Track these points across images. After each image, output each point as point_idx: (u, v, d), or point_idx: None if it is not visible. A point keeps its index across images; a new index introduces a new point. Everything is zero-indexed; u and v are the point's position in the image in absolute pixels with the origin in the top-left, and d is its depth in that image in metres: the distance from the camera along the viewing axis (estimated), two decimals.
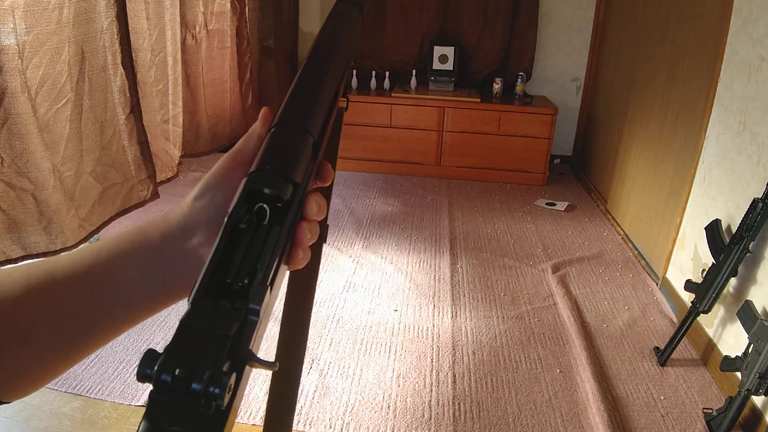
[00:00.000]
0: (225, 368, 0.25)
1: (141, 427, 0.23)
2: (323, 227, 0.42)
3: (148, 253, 0.39)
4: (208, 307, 0.27)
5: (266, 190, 0.32)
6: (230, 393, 0.25)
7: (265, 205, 0.32)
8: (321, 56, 0.43)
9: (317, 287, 0.52)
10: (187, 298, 0.28)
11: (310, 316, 0.50)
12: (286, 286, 0.47)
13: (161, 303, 0.41)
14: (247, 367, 0.27)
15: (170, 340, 0.25)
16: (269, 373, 0.37)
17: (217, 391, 0.24)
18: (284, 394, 0.48)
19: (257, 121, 0.41)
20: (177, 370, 0.24)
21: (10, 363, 0.35)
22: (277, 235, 0.31)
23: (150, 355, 0.24)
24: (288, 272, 0.39)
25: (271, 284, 0.30)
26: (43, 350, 0.36)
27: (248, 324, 0.28)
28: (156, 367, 0.24)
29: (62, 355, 0.37)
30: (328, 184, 0.41)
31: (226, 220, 0.31)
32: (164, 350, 0.25)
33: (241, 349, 0.27)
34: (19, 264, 0.37)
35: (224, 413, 0.25)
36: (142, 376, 0.24)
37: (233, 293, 0.29)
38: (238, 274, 0.29)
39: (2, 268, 0.38)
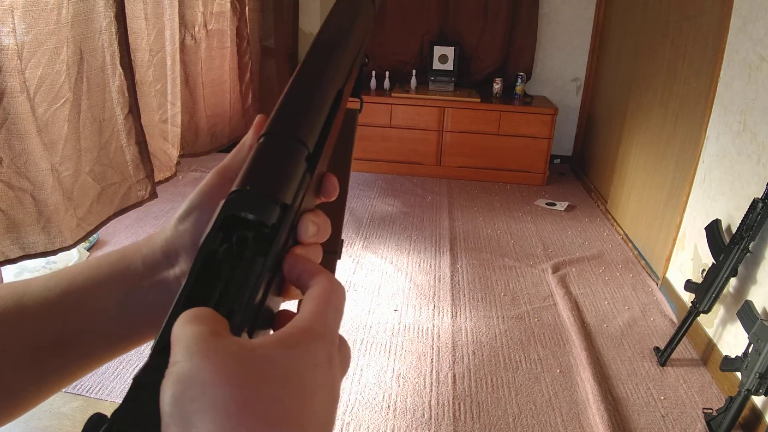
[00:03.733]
0: None
1: None
2: (337, 242, 0.37)
3: (127, 280, 0.35)
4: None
5: (246, 215, 0.27)
6: None
7: (245, 233, 0.27)
8: (319, 53, 0.37)
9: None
10: None
11: None
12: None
13: (141, 336, 0.36)
14: None
15: (122, 401, 0.22)
16: None
17: None
18: None
19: (249, 131, 0.37)
20: None
21: None
22: (259, 270, 0.26)
23: (95, 421, 0.21)
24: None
25: (250, 330, 0.25)
26: (10, 383, 0.33)
27: None
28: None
29: (32, 389, 0.34)
30: (332, 199, 0.36)
31: (198, 251, 0.26)
32: (112, 415, 0.21)
33: None
34: None
35: None
36: None
37: None
38: None
39: None
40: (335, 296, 0.27)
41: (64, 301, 0.34)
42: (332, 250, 0.37)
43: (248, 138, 0.37)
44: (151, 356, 0.23)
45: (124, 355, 1.88)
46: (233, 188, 0.28)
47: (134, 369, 1.82)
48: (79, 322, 0.34)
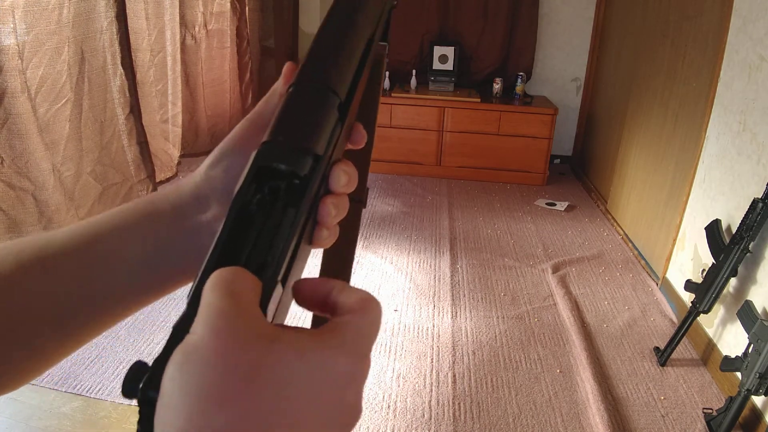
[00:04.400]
0: None
1: None
2: (362, 191, 0.37)
3: (156, 225, 0.34)
4: None
5: (279, 166, 0.27)
6: None
7: (278, 183, 0.27)
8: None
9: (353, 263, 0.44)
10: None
11: None
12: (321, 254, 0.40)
13: (169, 284, 0.35)
14: None
15: (161, 350, 0.22)
16: None
17: None
18: None
19: (280, 78, 0.36)
20: None
21: None
22: (291, 220, 0.26)
23: (137, 369, 0.21)
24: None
25: (284, 280, 0.25)
26: (35, 336, 0.32)
27: None
28: (142, 384, 0.21)
29: (57, 342, 0.33)
30: (361, 147, 0.35)
31: (231, 202, 0.26)
32: (153, 363, 0.21)
33: None
34: (11, 242, 0.33)
35: None
36: (127, 392, 0.21)
37: None
38: (247, 266, 0.24)
39: None
40: (373, 308, 0.25)
41: (90, 250, 0.33)
42: (358, 198, 0.36)
43: (278, 86, 0.36)
44: (188, 306, 0.23)
45: (123, 356, 1.88)
46: (265, 138, 0.28)
47: None
48: (106, 271, 0.33)
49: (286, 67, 0.35)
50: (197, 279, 0.24)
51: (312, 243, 0.30)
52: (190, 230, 0.35)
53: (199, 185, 0.35)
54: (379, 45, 0.40)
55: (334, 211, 0.30)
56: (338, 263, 0.41)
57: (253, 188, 0.27)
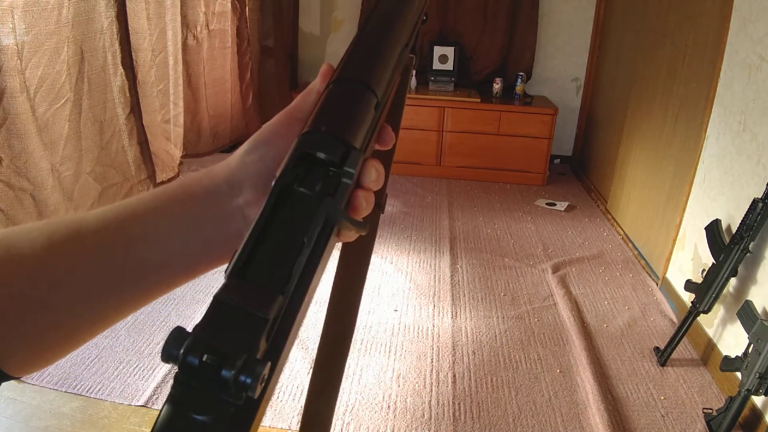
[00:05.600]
0: (259, 355, 0.23)
1: (164, 411, 0.22)
2: (382, 195, 0.38)
3: (190, 209, 0.35)
4: (246, 284, 0.25)
5: (320, 155, 0.28)
6: (263, 384, 0.22)
7: (318, 170, 0.29)
8: (390, 6, 0.38)
9: (365, 286, 0.47)
10: (224, 269, 0.26)
11: (361, 293, 0.45)
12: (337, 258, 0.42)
13: (201, 266, 0.36)
14: (281, 360, 0.25)
15: (202, 317, 0.23)
16: (306, 376, 0.33)
17: (248, 381, 0.21)
18: (324, 391, 0.43)
19: (317, 77, 0.37)
20: (205, 355, 0.21)
21: (26, 330, 0.31)
22: (328, 208, 0.28)
23: (177, 334, 0.22)
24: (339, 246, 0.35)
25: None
26: (64, 316, 0.32)
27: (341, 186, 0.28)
28: (183, 349, 0.22)
29: (85, 323, 0.33)
30: (389, 148, 0.37)
31: (273, 183, 0.28)
32: (193, 329, 0.22)
33: (331, 215, 0.26)
34: (41, 221, 0.34)
35: (255, 404, 0.23)
36: (167, 356, 0.22)
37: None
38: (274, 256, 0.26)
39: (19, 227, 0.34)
40: None
41: (125, 230, 0.33)
42: (378, 203, 0.38)
43: (316, 84, 0.37)
44: (229, 277, 0.25)
45: (123, 356, 1.88)
46: (306, 128, 0.29)
47: (134, 370, 1.83)
48: (139, 252, 0.33)
49: (324, 66, 0.37)
50: (237, 252, 0.26)
51: (339, 236, 0.31)
52: (222, 214, 0.35)
53: (233, 171, 0.36)
54: (408, 56, 0.42)
55: (364, 204, 0.31)
56: (355, 265, 0.43)
57: (295, 173, 0.28)
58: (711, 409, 1.76)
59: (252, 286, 0.25)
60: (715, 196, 2.15)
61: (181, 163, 2.59)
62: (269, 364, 0.23)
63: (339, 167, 0.29)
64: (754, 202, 1.78)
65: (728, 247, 1.86)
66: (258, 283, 0.25)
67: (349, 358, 1.87)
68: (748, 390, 1.59)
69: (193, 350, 0.21)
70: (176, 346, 0.22)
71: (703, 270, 1.98)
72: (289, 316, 0.25)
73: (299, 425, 0.43)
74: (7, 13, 1.48)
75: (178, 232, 0.35)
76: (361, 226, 0.30)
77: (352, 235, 0.32)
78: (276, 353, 0.24)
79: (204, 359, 0.21)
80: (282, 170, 0.28)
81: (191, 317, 2.15)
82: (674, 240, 2.46)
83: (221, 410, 0.22)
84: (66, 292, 0.31)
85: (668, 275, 2.50)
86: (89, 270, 0.32)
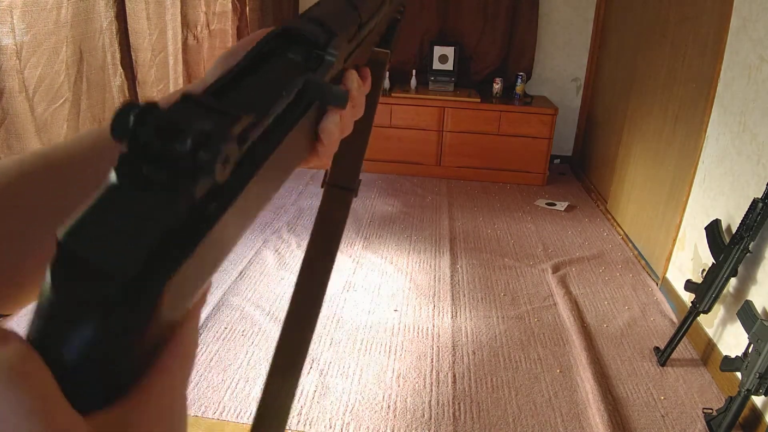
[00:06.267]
0: (232, 140, 0.19)
1: (101, 194, 0.18)
2: (355, 180, 0.38)
3: None
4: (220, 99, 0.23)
5: (305, 33, 0.28)
6: (227, 166, 0.18)
7: (299, 47, 0.28)
8: None
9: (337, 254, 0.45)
10: None
11: (330, 271, 0.44)
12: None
13: None
14: (241, 201, 0.21)
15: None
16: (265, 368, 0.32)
17: (206, 156, 0.17)
18: (281, 388, 0.41)
19: None
20: (160, 127, 0.18)
21: (6, 265, 0.30)
22: (306, 82, 0.27)
23: (130, 106, 0.18)
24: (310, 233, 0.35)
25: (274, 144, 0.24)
26: (43, 249, 0.30)
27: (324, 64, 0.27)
28: (133, 118, 0.18)
29: None
30: (365, 84, 0.36)
31: (250, 49, 0.27)
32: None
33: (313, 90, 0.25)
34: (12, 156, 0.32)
35: (213, 212, 0.19)
36: (117, 131, 0.18)
37: None
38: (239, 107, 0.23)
39: None
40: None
41: (100, 153, 0.32)
42: (350, 187, 0.38)
43: None
44: (204, 92, 0.23)
45: None
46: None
47: None
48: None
49: None
50: (215, 79, 0.25)
51: (318, 125, 0.30)
52: None
53: (206, 82, 0.36)
54: (381, 51, 0.43)
55: (355, 90, 0.31)
56: (322, 249, 0.42)
57: (275, 43, 0.28)
58: (711, 409, 1.76)
59: (226, 102, 0.23)
60: (715, 196, 2.15)
61: None
62: (237, 146, 0.19)
63: (323, 49, 0.28)
64: (754, 202, 1.78)
65: (728, 247, 1.86)
66: (233, 103, 0.23)
67: (349, 357, 1.87)
68: (748, 390, 1.59)
69: (143, 121, 0.18)
70: (126, 115, 0.18)
71: (703, 270, 1.98)
72: (256, 159, 0.22)
73: (257, 406, 0.41)
74: (6, 13, 1.48)
75: None
76: (341, 97, 0.28)
77: (331, 120, 0.30)
78: (237, 188, 0.21)
79: (158, 130, 0.18)
80: (266, 35, 0.28)
81: None
82: (674, 240, 2.46)
83: (173, 195, 0.18)
84: (43, 223, 0.30)
85: (668, 275, 2.50)
86: (64, 199, 0.31)
